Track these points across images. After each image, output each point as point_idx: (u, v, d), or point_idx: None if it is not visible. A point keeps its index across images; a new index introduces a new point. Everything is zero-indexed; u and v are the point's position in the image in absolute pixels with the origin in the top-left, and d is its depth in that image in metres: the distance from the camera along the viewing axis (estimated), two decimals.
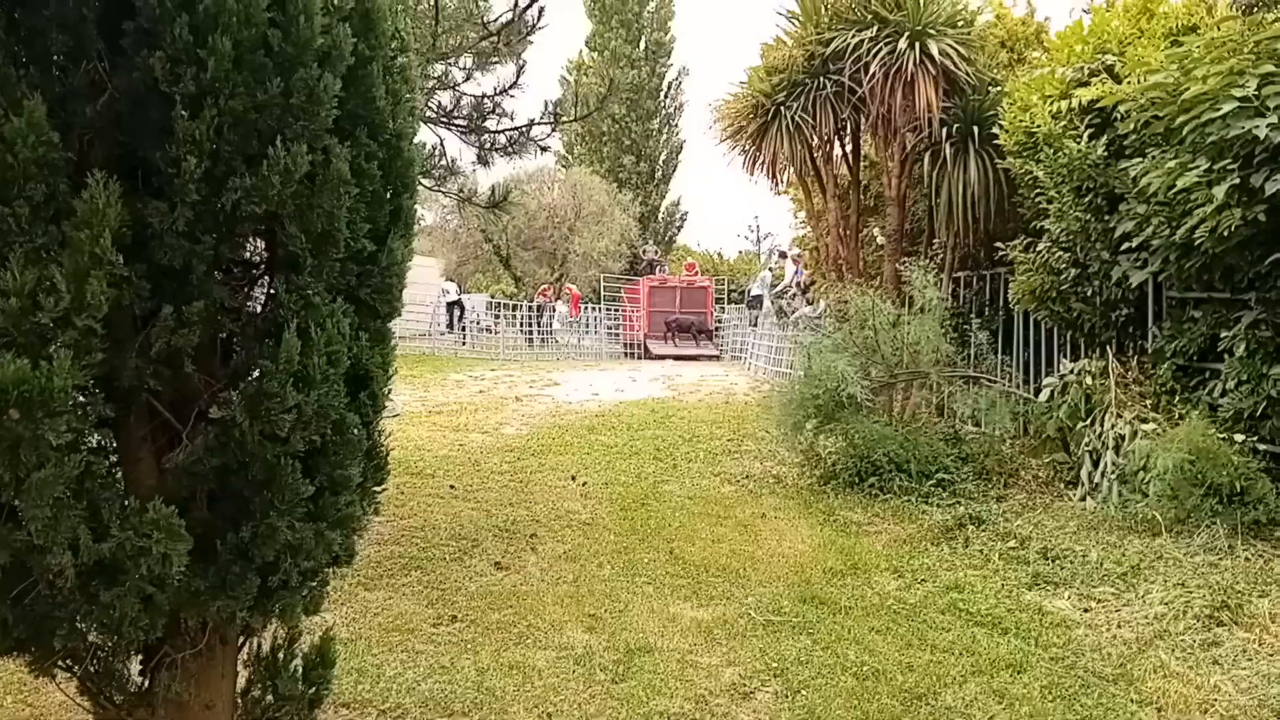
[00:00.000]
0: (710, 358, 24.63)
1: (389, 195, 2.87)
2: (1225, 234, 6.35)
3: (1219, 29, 6.98)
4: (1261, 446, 6.57)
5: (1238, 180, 6.15)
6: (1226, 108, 6.15)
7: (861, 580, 5.86)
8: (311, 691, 3.00)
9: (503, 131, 7.12)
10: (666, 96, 40.48)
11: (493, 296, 30.45)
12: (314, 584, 2.84)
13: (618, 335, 27.76)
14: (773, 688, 4.25)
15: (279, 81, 2.39)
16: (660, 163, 41.11)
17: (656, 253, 32.98)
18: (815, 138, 11.92)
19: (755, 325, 22.27)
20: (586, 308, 29.65)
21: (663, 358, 24.75)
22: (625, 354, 26.37)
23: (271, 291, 2.58)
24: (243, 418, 2.40)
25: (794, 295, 17.68)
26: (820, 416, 8.63)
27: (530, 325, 27.38)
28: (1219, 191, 6.16)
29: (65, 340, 2.10)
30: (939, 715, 3.92)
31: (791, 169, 12.43)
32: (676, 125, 41.48)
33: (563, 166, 37.04)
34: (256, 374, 2.47)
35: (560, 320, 28.62)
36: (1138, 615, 4.94)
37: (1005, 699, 4.04)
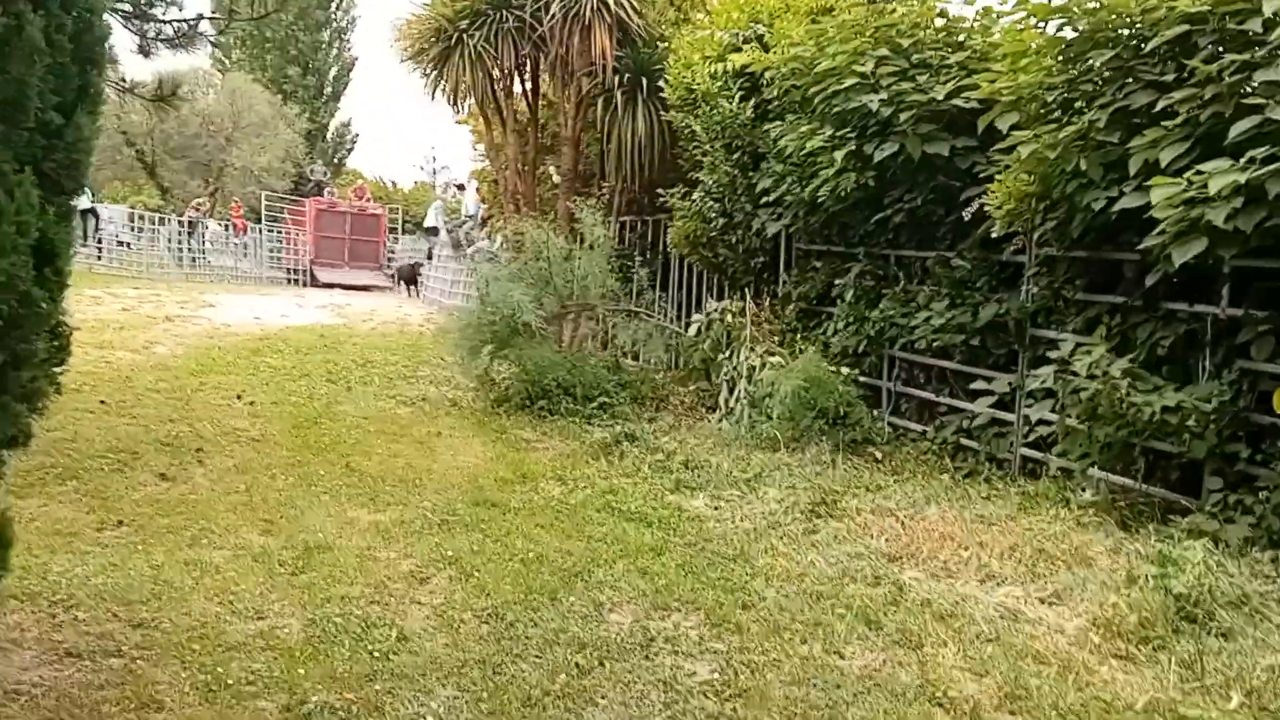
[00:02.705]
0: (382, 289, 24.21)
1: (77, 70, 2.81)
2: (843, 194, 7.48)
3: (849, 13, 8.09)
4: (862, 378, 7.89)
5: (854, 147, 7.27)
6: (848, 82, 7.23)
7: (529, 487, 6.38)
8: None
9: (170, 21, 6.65)
10: (338, 8, 38.38)
11: (133, 208, 27.53)
12: None
13: (280, 260, 26.37)
14: (448, 573, 4.63)
15: None
16: (330, 79, 39.07)
17: (325, 174, 31.53)
18: (497, 70, 12.15)
19: (430, 256, 22.22)
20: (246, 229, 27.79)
21: (331, 286, 23.95)
22: (289, 280, 25.16)
23: None
24: None
25: (472, 227, 17.89)
26: (496, 343, 9.04)
27: (179, 243, 25.25)
28: (839, 156, 7.25)
29: None
30: (592, 587, 4.51)
31: (473, 99, 12.58)
32: (348, 40, 39.56)
33: (219, 70, 34.01)
34: None
35: (212, 239, 26.62)
36: (756, 511, 5.87)
37: (647, 574, 4.72)
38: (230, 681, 3.47)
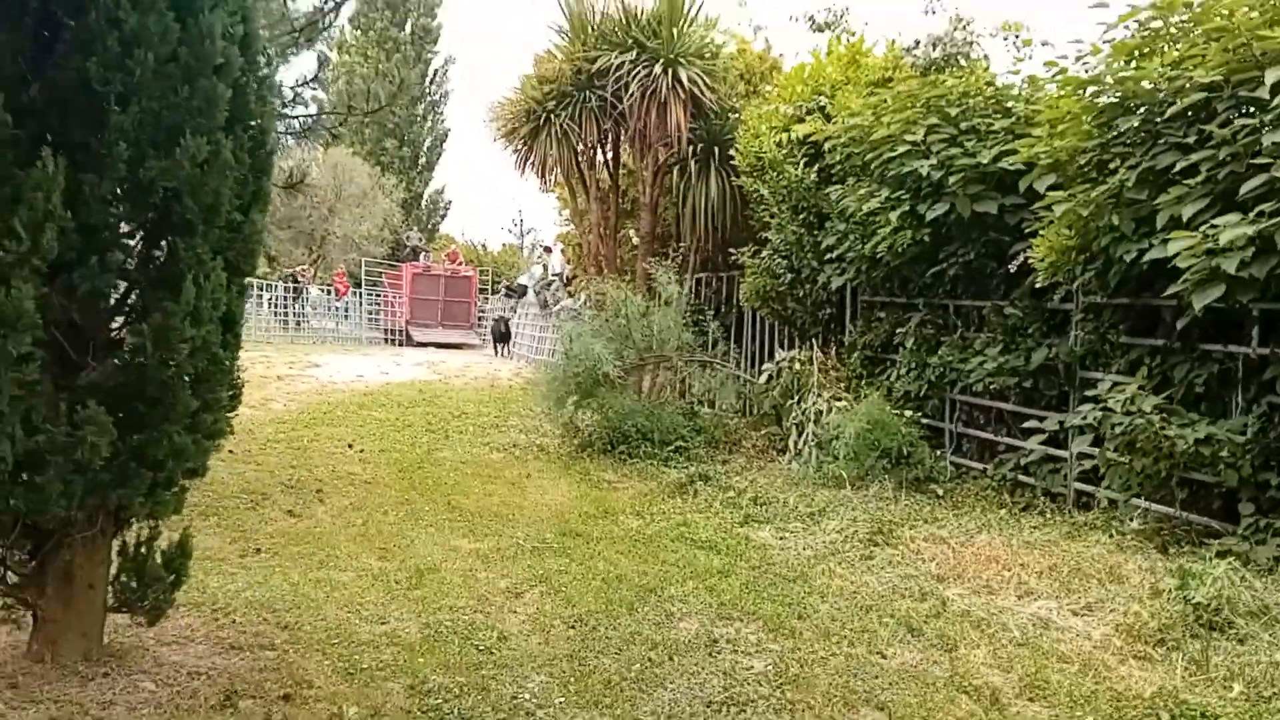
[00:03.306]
0: (473, 347, 25.32)
1: (253, 177, 3.63)
2: (900, 250, 8.07)
3: (905, 84, 8.74)
4: (923, 420, 8.36)
5: (908, 208, 7.86)
6: (901, 149, 7.86)
7: (610, 521, 7.02)
8: (172, 578, 3.69)
9: (297, 118, 7.68)
10: (432, 83, 40.58)
11: None
12: (177, 490, 3.56)
13: (378, 321, 27.82)
14: (539, 589, 5.29)
15: (186, 88, 3.13)
16: (424, 149, 41.14)
17: (420, 239, 33.15)
18: (581, 144, 13.11)
19: (514, 312, 23.26)
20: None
21: (425, 345, 25.16)
22: (386, 340, 26.51)
23: (169, 250, 3.28)
24: (150, 346, 3.12)
25: (557, 288, 18.82)
26: (580, 393, 9.77)
27: (285, 307, 26.87)
28: (894, 216, 7.85)
29: (25, 275, 2.77)
30: (664, 601, 5.11)
31: (559, 171, 13.57)
32: (442, 113, 41.69)
33: (322, 146, 36.25)
34: (158, 313, 3.18)
35: (314, 304, 28.24)
36: (818, 540, 6.40)
37: (714, 591, 5.30)
38: (364, 667, 4.16)
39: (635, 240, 13.95)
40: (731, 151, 10.90)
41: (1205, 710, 3.77)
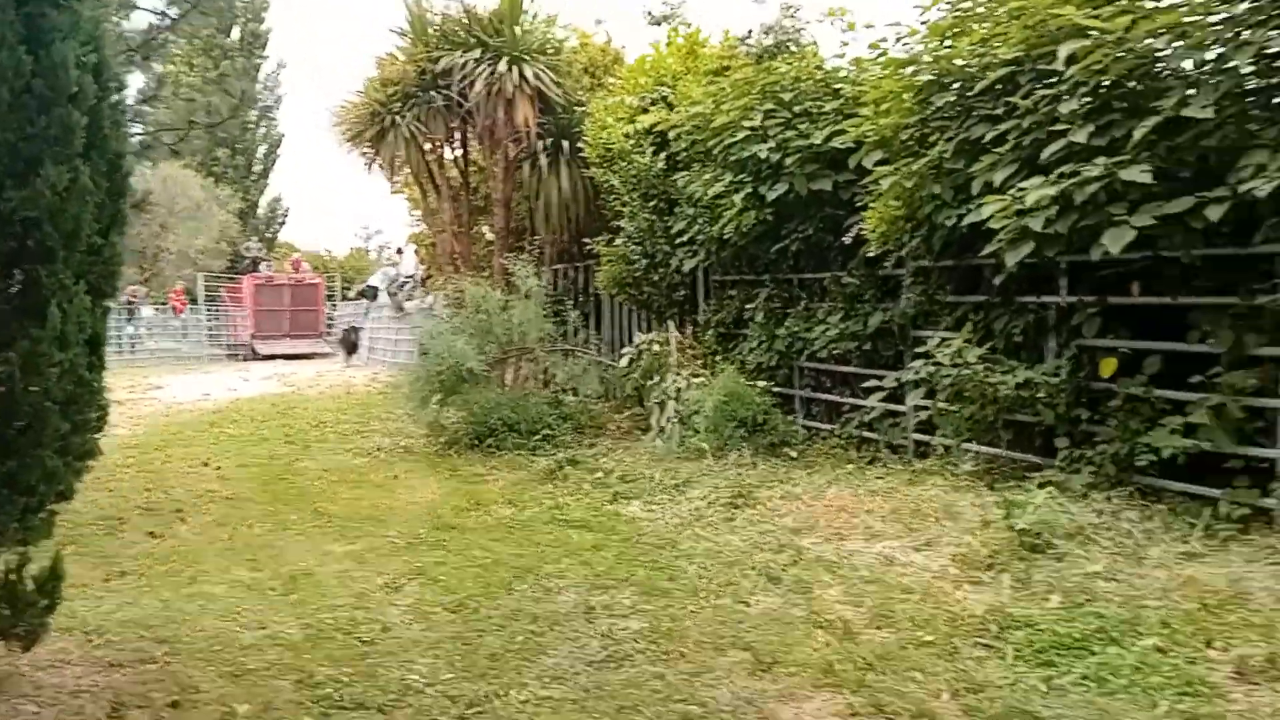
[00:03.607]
0: (324, 356, 24.70)
1: (111, 201, 3.63)
2: (746, 230, 8.49)
3: (740, 72, 9.17)
4: (775, 389, 8.81)
5: (750, 189, 8.29)
6: (741, 134, 8.27)
7: (483, 512, 7.12)
8: (45, 602, 3.62)
9: (137, 135, 7.44)
10: (264, 88, 39.19)
11: None
12: (48, 514, 3.54)
13: (220, 337, 26.76)
14: (417, 582, 5.36)
15: (42, 118, 3.13)
16: (258, 157, 39.68)
17: (260, 249, 31.98)
18: (429, 144, 13.07)
19: (366, 317, 22.85)
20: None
21: (272, 357, 24.39)
22: (230, 357, 25.54)
23: (32, 278, 3.25)
24: (18, 373, 3.10)
25: (411, 288, 18.63)
26: (443, 391, 9.80)
27: (117, 329, 25.48)
28: (738, 198, 8.27)
29: None
30: (541, 579, 5.29)
31: (408, 171, 13.48)
32: (275, 119, 40.31)
33: (151, 159, 34.45)
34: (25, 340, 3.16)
35: (149, 324, 26.93)
36: (684, 509, 6.70)
37: (589, 565, 5.51)
38: (250, 669, 4.15)
39: (490, 236, 14.01)
40: (581, 144, 11.14)
41: (1028, 620, 4.23)
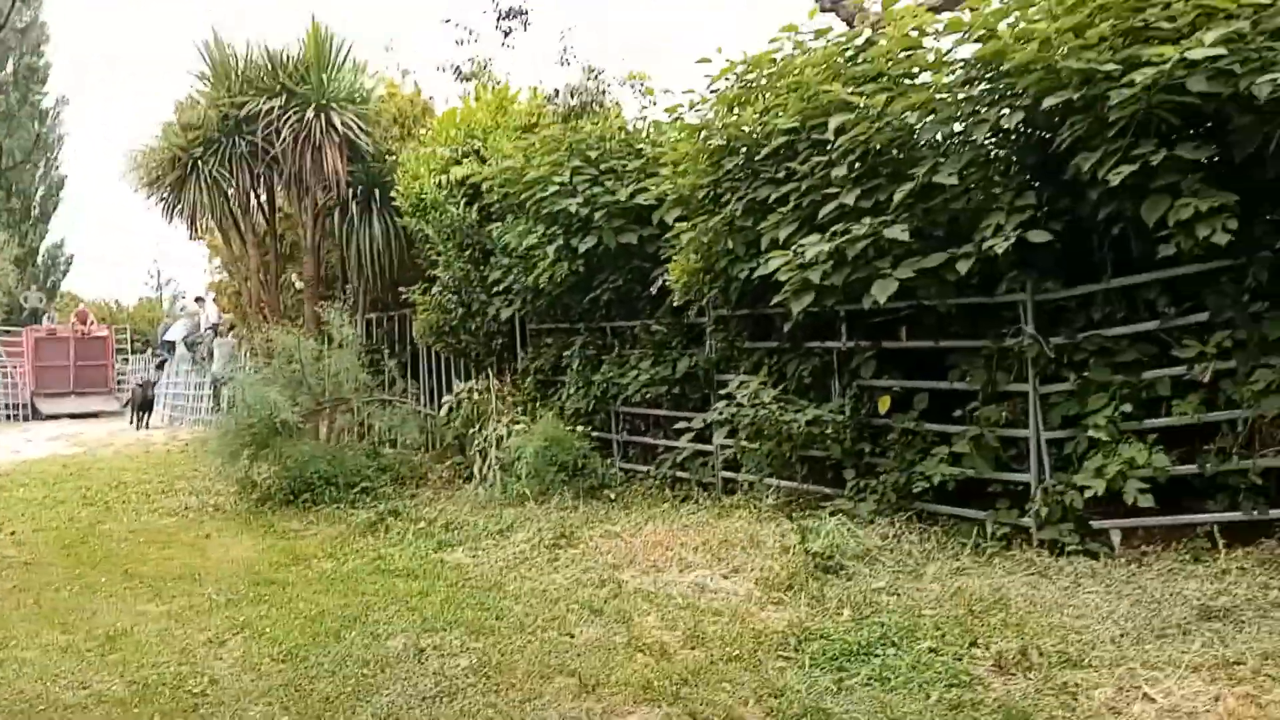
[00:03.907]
0: (115, 414, 23.21)
1: None
2: (559, 280, 8.85)
3: (550, 129, 9.58)
4: (593, 433, 9.18)
5: (562, 241, 8.67)
6: (551, 189, 8.66)
7: (303, 566, 7.09)
8: None
9: None
10: (44, 126, 36.59)
11: None
12: None
13: None
14: (242, 635, 5.35)
15: None
16: (37, 199, 36.94)
17: (40, 299, 29.70)
18: (233, 189, 12.75)
19: (161, 369, 21.74)
20: None
21: (57, 416, 22.73)
22: (9, 417, 23.55)
23: None
24: None
25: (213, 339, 17.91)
26: (255, 445, 9.59)
27: None
28: (551, 250, 8.63)
29: None
30: (369, 626, 5.39)
31: (210, 218, 13.08)
32: (56, 159, 37.67)
33: None
34: None
35: None
36: (508, 552, 6.94)
37: (416, 610, 5.65)
38: None
39: (299, 284, 13.76)
40: (393, 193, 11.21)
41: (822, 632, 4.76)
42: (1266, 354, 5.33)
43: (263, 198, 13.60)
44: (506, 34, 14.01)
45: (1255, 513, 5.42)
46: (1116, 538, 5.79)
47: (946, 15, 6.77)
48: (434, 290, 10.68)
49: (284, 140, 11.61)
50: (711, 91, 7.83)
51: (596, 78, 9.67)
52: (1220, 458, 5.54)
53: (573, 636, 5.02)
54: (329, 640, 5.18)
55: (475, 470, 9.51)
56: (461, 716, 4.08)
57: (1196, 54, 4.80)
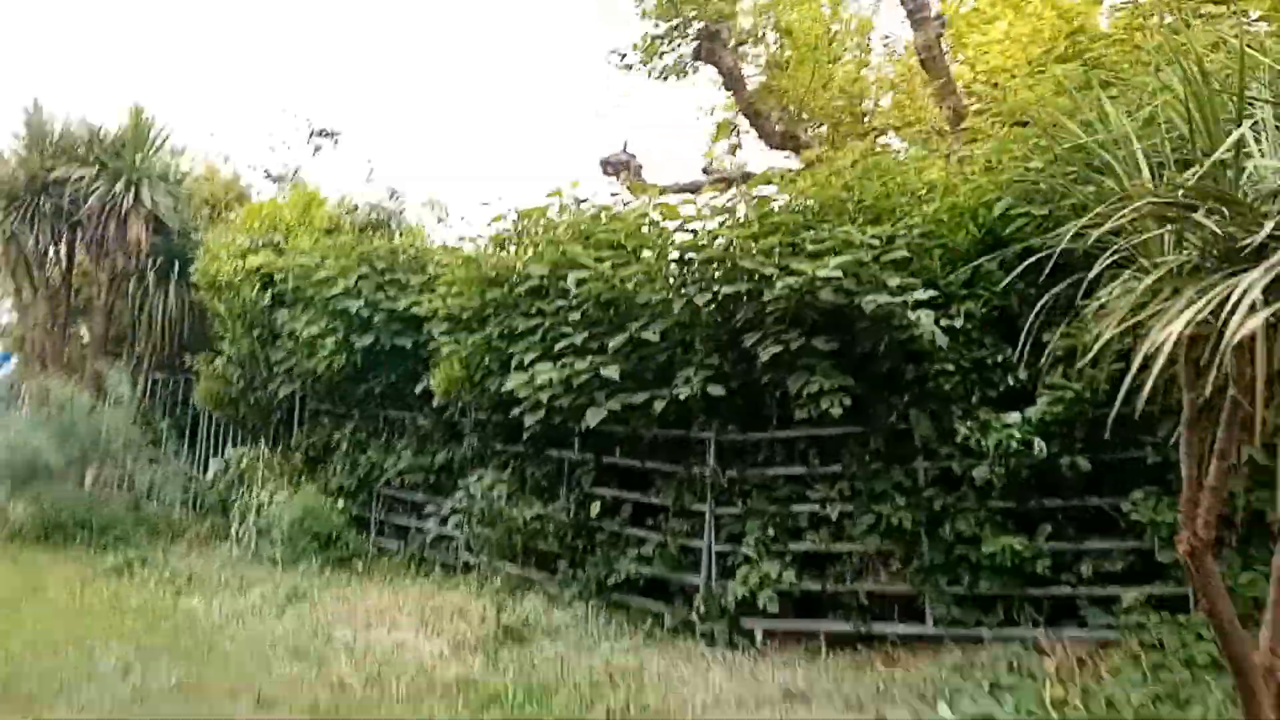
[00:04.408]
0: None
1: None
2: (336, 369, 9.41)
3: (344, 237, 10.20)
4: (355, 510, 9.63)
5: (342, 336, 9.27)
6: (338, 289, 9.28)
7: (40, 596, 7.30)
8: None
9: None
10: None
11: None
12: None
13: None
14: None
15: None
16: None
17: None
18: (32, 244, 12.43)
19: None
20: None
21: None
22: None
23: None
24: None
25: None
26: (13, 483, 9.44)
27: None
28: (330, 342, 9.23)
29: None
30: (87, 649, 5.77)
31: (4, 268, 12.69)
32: None
33: None
34: None
35: None
36: (241, 604, 7.30)
37: (135, 640, 6.07)
38: None
39: (87, 338, 13.41)
40: (192, 268, 11.38)
41: (486, 686, 5.48)
42: (874, 502, 6.68)
43: (62, 253, 13.26)
44: (317, 149, 14.73)
45: (861, 627, 6.66)
46: (759, 635, 6.87)
47: (682, 198, 8.11)
48: (218, 362, 10.87)
49: (90, 207, 11.56)
50: (490, 225, 8.80)
51: (396, 198, 10.44)
52: (837, 580, 6.81)
53: (269, 671, 5.59)
54: (45, 653, 5.62)
55: (233, 531, 9.68)
56: (147, 714, 4.61)
57: (823, 272, 6.17)
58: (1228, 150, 3.24)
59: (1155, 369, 3.03)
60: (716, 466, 7.29)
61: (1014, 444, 5.96)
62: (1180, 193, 3.24)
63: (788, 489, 7.13)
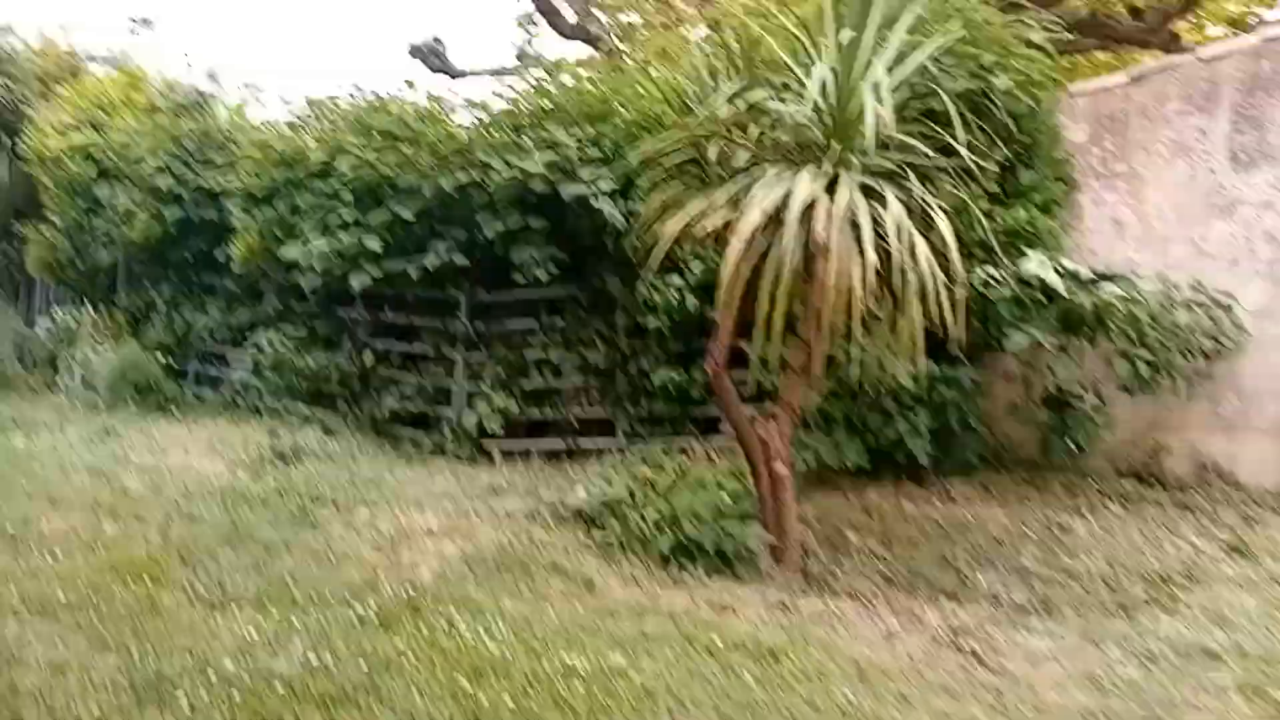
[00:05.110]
0: None
1: None
2: (152, 239, 10.16)
3: (160, 117, 10.71)
4: (173, 364, 10.52)
5: (156, 210, 10.00)
6: (153, 166, 9.94)
7: None
8: None
9: None
10: None
11: None
12: None
13: None
14: None
15: None
16: None
17: None
18: None
19: None
20: None
21: None
22: None
23: None
24: None
25: None
26: None
27: None
28: (143, 214, 9.93)
29: None
30: None
31: None
32: None
33: None
34: None
35: None
36: (59, 440, 8.12)
37: None
38: None
39: None
40: (22, 141, 11.69)
41: (244, 490, 6.57)
42: (582, 347, 8.11)
43: None
44: (134, 33, 14.92)
45: (571, 444, 8.14)
46: (496, 454, 8.25)
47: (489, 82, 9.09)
48: (48, 231, 11.37)
49: None
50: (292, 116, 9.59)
51: (215, 79, 11.01)
52: (555, 409, 8.27)
53: (69, 483, 6.54)
54: None
55: (61, 383, 10.47)
56: None
57: (532, 167, 7.38)
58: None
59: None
60: (466, 321, 8.56)
61: (676, 301, 7.41)
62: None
63: (521, 339, 8.48)
